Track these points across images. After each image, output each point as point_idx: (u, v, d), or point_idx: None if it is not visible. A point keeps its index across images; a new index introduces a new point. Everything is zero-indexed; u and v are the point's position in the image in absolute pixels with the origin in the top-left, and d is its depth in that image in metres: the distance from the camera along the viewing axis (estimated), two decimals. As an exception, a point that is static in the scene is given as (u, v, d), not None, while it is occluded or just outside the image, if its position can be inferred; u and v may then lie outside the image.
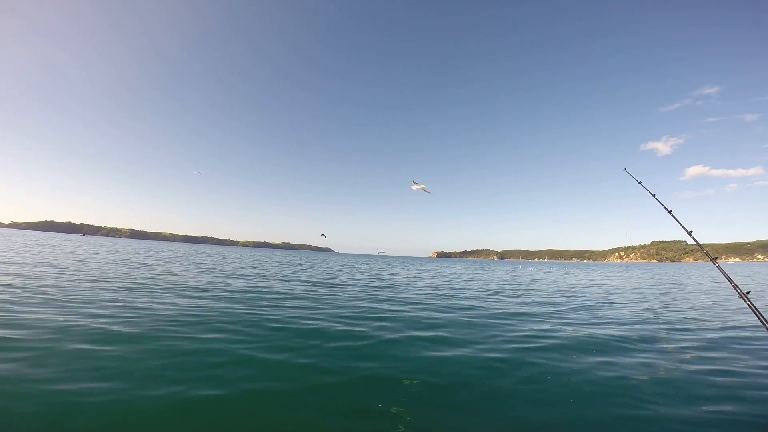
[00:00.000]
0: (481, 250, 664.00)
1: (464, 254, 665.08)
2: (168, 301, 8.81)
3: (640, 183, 6.44)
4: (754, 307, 2.84)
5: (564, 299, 13.02)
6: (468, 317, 8.76)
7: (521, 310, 10.03)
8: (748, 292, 2.92)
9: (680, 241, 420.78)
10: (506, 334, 6.98)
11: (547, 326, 7.90)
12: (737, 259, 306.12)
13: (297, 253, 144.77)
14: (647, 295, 15.00)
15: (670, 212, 5.60)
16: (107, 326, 5.96)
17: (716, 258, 3.97)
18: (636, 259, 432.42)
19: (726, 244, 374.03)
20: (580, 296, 14.07)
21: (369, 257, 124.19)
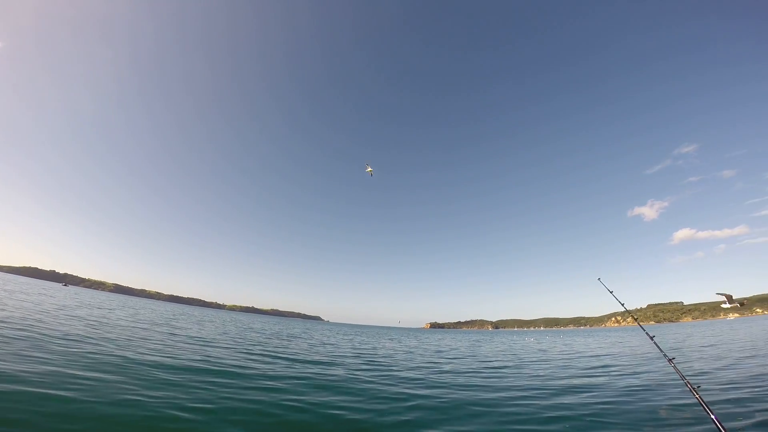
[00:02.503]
0: (475, 321, 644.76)
1: (458, 325, 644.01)
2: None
3: (611, 293, 7.19)
4: (678, 370, 3.50)
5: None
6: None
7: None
8: (673, 358, 3.62)
9: (676, 302, 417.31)
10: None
11: None
12: (737, 315, 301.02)
13: (288, 321, 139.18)
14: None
15: (623, 305, 6.64)
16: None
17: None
18: (633, 322, 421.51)
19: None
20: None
21: (360, 327, 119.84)
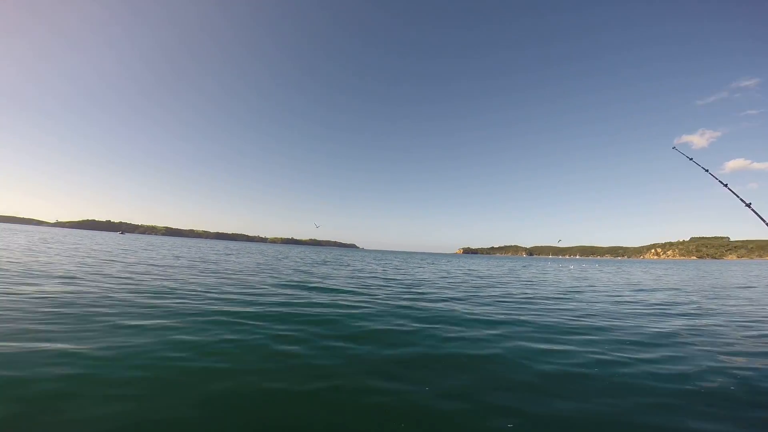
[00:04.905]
0: (509, 246, 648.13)
1: (491, 250, 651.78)
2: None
3: (691, 159, 6.24)
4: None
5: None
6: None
7: None
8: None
9: (722, 237, 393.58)
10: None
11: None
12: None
13: (330, 249, 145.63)
14: None
15: (725, 185, 5.28)
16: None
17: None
18: (674, 255, 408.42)
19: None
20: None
21: (398, 254, 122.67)
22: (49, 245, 26.66)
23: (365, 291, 12.05)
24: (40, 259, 15.55)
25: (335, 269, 22.45)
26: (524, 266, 45.88)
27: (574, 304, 11.13)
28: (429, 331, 6.59)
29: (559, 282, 20.15)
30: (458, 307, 9.54)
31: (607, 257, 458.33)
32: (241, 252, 44.20)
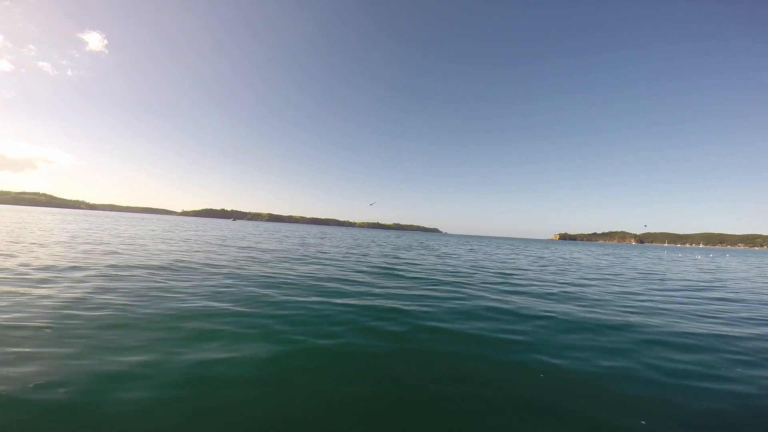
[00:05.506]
0: (615, 233, 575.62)
1: (593, 237, 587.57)
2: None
3: None
4: None
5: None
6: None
7: None
8: None
9: None
10: None
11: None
12: None
13: (417, 234, 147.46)
14: None
15: None
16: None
17: None
18: None
19: None
20: None
21: (481, 239, 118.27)
22: (173, 232, 31.81)
23: (458, 280, 11.53)
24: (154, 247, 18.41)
25: (422, 255, 22.26)
26: (637, 255, 40.29)
27: (718, 305, 9.15)
28: (540, 333, 5.86)
29: (689, 275, 17.06)
30: (569, 304, 8.50)
31: (740, 246, 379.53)
32: (334, 237, 46.92)
